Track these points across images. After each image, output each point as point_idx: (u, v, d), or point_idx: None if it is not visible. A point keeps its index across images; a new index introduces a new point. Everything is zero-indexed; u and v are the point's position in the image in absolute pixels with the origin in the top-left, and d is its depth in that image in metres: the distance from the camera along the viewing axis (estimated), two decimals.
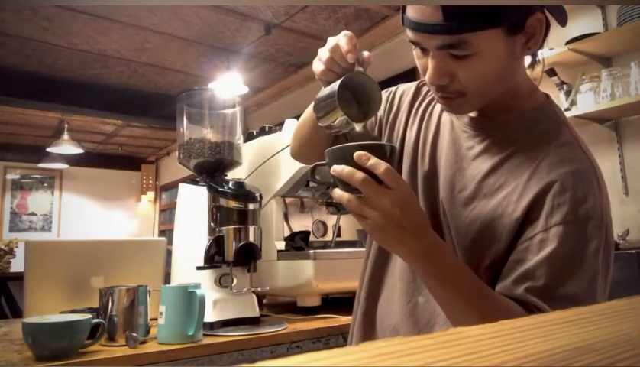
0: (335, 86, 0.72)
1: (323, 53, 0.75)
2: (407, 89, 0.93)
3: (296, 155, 1.04)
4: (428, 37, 0.65)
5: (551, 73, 2.38)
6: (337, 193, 0.65)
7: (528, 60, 0.75)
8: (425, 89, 0.90)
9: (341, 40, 0.73)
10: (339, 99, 0.71)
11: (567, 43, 2.32)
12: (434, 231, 0.68)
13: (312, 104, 0.88)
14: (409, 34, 0.68)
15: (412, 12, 0.66)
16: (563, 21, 0.69)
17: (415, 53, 0.72)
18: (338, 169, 0.64)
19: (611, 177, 2.35)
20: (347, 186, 0.64)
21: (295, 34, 3.66)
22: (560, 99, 2.36)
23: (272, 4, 3.20)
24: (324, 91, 0.76)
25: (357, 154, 0.63)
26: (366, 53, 0.74)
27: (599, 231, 0.65)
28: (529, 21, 0.65)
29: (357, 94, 0.76)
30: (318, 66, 0.77)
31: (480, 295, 0.65)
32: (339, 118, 0.73)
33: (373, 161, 0.62)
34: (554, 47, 2.34)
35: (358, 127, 0.74)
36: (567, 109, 2.31)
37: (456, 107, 0.73)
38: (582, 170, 0.67)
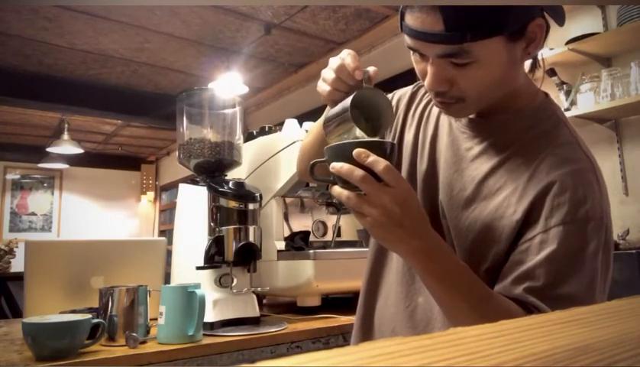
0: (347, 102, 0.70)
1: (328, 73, 0.74)
2: (403, 93, 0.93)
3: (304, 177, 1.03)
4: (429, 46, 0.65)
5: (551, 73, 2.38)
6: (337, 190, 0.65)
7: (528, 62, 0.75)
8: (421, 92, 0.89)
9: (346, 58, 0.72)
10: (352, 114, 0.69)
11: (567, 43, 2.32)
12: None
13: (316, 125, 0.86)
14: (408, 40, 0.68)
15: (412, 20, 0.65)
16: (561, 21, 0.69)
17: (414, 57, 0.71)
18: (337, 166, 0.63)
19: (611, 177, 2.35)
20: (346, 183, 0.64)
21: (295, 34, 3.66)
22: (560, 99, 2.36)
23: (272, 4, 3.20)
24: (334, 109, 0.74)
25: (356, 151, 0.62)
26: (372, 69, 0.72)
27: (598, 231, 0.65)
28: (530, 27, 0.65)
29: (365, 111, 0.75)
30: (323, 87, 0.75)
31: (479, 295, 0.65)
32: (351, 133, 0.71)
33: (372, 159, 0.62)
34: (554, 47, 2.34)
35: None
36: (567, 109, 2.31)
37: (455, 111, 0.73)
38: (581, 171, 0.67)
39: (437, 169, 0.79)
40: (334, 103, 0.74)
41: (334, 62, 0.73)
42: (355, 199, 0.63)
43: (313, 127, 0.92)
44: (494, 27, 0.62)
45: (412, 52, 0.70)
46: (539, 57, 0.76)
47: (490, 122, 0.76)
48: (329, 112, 0.76)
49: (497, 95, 0.71)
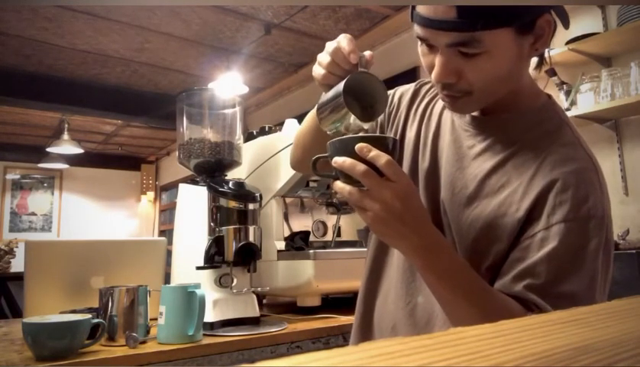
0: (340, 86, 0.71)
1: (323, 57, 0.74)
2: (405, 90, 0.92)
3: (297, 165, 1.03)
4: (440, 34, 0.65)
5: (551, 72, 2.38)
6: (339, 185, 0.65)
7: (534, 60, 0.75)
8: (424, 90, 0.89)
9: (342, 41, 0.72)
10: (345, 99, 0.70)
11: (567, 43, 2.32)
12: None
13: (312, 112, 0.86)
14: (418, 30, 0.68)
15: (423, 8, 0.65)
16: (566, 24, 0.69)
17: (421, 50, 0.71)
18: (340, 161, 0.63)
19: (611, 177, 2.35)
20: (348, 178, 0.64)
21: (295, 34, 3.66)
22: (560, 99, 2.36)
23: (272, 4, 3.20)
24: (328, 94, 0.74)
25: (358, 145, 0.63)
26: (368, 53, 0.73)
27: (599, 230, 0.65)
28: (539, 22, 0.65)
29: (360, 96, 0.74)
30: (318, 71, 0.75)
31: (479, 292, 0.65)
32: (344, 119, 0.71)
33: (374, 153, 0.62)
34: (554, 47, 2.34)
35: (366, 126, 0.72)
36: (567, 109, 2.31)
37: (461, 106, 0.73)
38: (584, 170, 0.67)
39: (439, 167, 0.79)
40: (329, 88, 0.74)
41: (330, 45, 0.73)
42: (357, 194, 0.63)
43: (308, 115, 0.92)
44: (506, 18, 0.62)
45: (419, 43, 0.70)
46: (545, 55, 0.76)
47: (493, 121, 0.76)
48: (322, 97, 0.76)
49: (503, 91, 0.71)
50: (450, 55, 0.66)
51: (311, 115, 0.90)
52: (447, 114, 0.82)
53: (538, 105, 0.75)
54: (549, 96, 0.78)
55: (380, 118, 0.92)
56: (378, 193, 0.61)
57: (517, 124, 0.74)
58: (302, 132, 0.96)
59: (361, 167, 0.62)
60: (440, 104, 0.84)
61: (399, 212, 0.61)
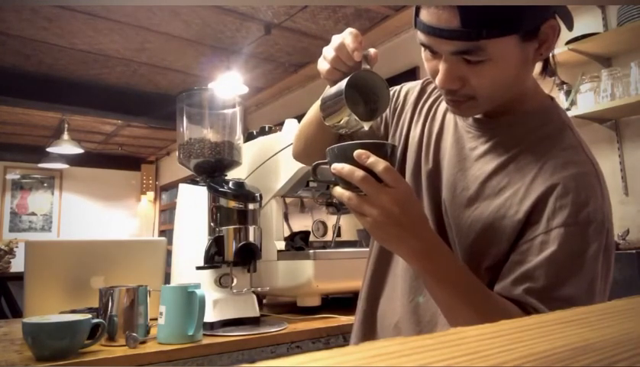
0: (342, 84, 0.71)
1: (328, 51, 0.74)
2: (412, 87, 0.92)
3: (299, 156, 1.03)
4: (443, 42, 0.65)
5: (551, 73, 2.38)
6: (338, 191, 0.66)
7: (538, 65, 0.75)
8: (430, 88, 0.89)
9: (347, 37, 0.72)
10: (346, 98, 0.70)
11: (567, 43, 2.32)
12: (437, 230, 0.68)
13: (317, 103, 0.87)
14: (422, 37, 0.67)
15: (427, 16, 0.65)
16: (570, 25, 0.69)
17: (425, 55, 0.71)
18: (339, 167, 0.64)
19: (611, 177, 2.35)
20: (347, 184, 0.64)
21: (295, 34, 3.66)
22: (560, 99, 2.36)
23: (272, 4, 3.20)
24: (331, 90, 0.75)
25: (357, 152, 0.63)
26: (372, 51, 0.73)
27: (600, 234, 0.65)
28: (543, 28, 0.65)
29: (363, 93, 0.75)
30: (323, 65, 0.76)
31: (477, 296, 0.65)
32: (346, 117, 0.72)
33: (372, 159, 0.62)
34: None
35: (366, 126, 0.73)
36: (567, 109, 2.31)
37: (465, 110, 0.73)
38: (585, 174, 0.67)
39: (441, 167, 0.80)
40: (333, 83, 0.75)
41: (336, 40, 0.74)
42: (356, 199, 0.63)
43: (312, 106, 0.92)
44: (510, 26, 0.62)
45: (422, 49, 0.70)
46: (550, 57, 0.76)
47: (496, 123, 0.76)
48: (326, 92, 0.76)
49: (507, 95, 0.71)
50: (454, 62, 0.66)
51: (315, 107, 0.90)
52: (451, 115, 0.82)
53: (540, 107, 0.75)
54: (552, 99, 0.77)
55: (385, 114, 0.92)
56: (376, 199, 0.62)
57: (520, 126, 0.74)
58: (305, 123, 0.96)
59: (360, 173, 0.62)
60: (444, 104, 0.84)
61: (397, 218, 0.61)
